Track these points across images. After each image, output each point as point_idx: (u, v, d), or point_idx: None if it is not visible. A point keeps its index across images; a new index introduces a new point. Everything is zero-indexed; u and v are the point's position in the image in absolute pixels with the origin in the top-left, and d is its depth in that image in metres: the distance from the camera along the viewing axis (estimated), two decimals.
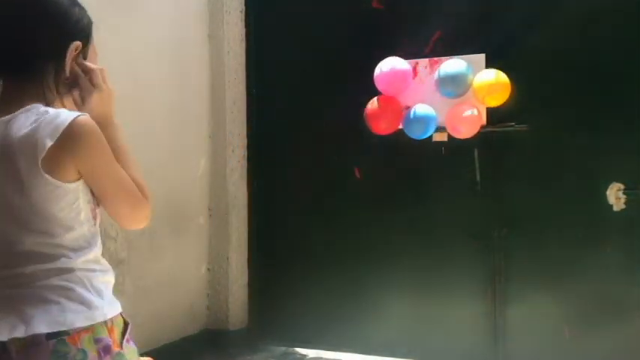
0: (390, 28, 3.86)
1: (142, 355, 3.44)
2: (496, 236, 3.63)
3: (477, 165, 3.61)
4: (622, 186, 3.37)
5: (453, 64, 3.40)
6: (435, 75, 3.47)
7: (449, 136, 3.53)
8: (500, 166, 3.63)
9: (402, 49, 3.69)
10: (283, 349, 4.17)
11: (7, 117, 1.24)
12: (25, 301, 1.22)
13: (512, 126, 3.50)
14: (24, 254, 1.24)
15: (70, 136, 1.20)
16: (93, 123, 1.25)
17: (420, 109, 3.47)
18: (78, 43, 1.34)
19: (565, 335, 3.47)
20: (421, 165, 3.77)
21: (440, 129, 3.53)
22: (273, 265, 4.27)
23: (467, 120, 3.39)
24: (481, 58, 3.45)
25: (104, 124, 1.34)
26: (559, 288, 3.50)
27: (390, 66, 3.47)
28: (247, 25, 4.34)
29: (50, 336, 1.19)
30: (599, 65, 3.42)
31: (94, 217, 1.33)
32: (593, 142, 3.43)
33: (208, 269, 4.25)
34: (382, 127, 3.57)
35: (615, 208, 3.39)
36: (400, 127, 3.56)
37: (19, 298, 1.23)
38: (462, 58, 3.44)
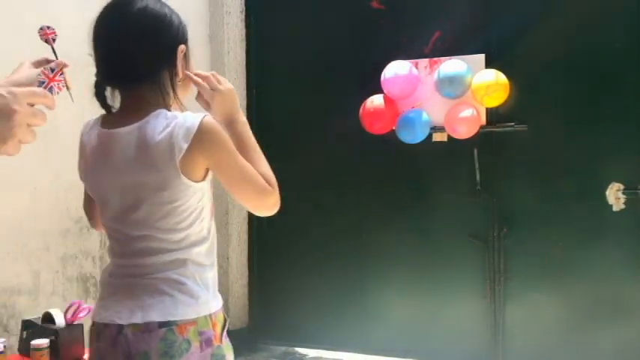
0: (390, 28, 3.86)
1: None
2: (496, 236, 3.63)
3: (476, 165, 3.61)
4: (622, 186, 3.37)
5: (453, 65, 3.40)
6: (435, 76, 3.47)
7: (449, 136, 3.53)
8: (500, 166, 3.63)
9: (402, 49, 3.69)
10: (283, 349, 4.17)
11: (136, 123, 1.35)
12: (143, 290, 1.35)
13: (512, 126, 3.50)
14: (146, 247, 1.37)
15: (200, 137, 1.32)
16: (215, 122, 1.38)
17: (412, 114, 3.47)
18: (183, 47, 1.44)
19: (565, 335, 3.48)
20: (421, 165, 3.77)
21: (440, 129, 3.53)
22: (273, 265, 4.27)
23: (466, 120, 3.39)
24: (481, 58, 3.45)
25: (229, 121, 1.49)
26: (559, 288, 3.50)
27: (405, 70, 3.46)
28: (247, 25, 4.34)
29: (162, 324, 1.32)
30: (598, 65, 3.43)
31: (212, 213, 1.46)
32: (593, 142, 3.43)
33: None
34: (376, 127, 3.57)
35: (615, 208, 3.39)
36: (394, 128, 3.56)
37: (138, 287, 1.36)
38: (462, 59, 3.44)
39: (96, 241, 3.34)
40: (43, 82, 1.00)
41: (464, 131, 3.41)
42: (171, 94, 1.43)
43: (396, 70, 3.47)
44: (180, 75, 1.44)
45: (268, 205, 1.44)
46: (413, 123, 3.45)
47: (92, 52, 1.44)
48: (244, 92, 4.34)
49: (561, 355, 3.50)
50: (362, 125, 3.61)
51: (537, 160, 3.57)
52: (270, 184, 1.43)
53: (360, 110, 3.60)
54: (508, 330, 3.61)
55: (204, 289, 1.39)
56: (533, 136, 3.50)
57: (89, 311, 2.53)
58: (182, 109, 1.42)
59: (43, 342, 2.35)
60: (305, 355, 4.08)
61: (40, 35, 1.19)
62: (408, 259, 3.81)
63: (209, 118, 1.36)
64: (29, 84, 1.00)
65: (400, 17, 3.85)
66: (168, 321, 1.32)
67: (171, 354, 1.31)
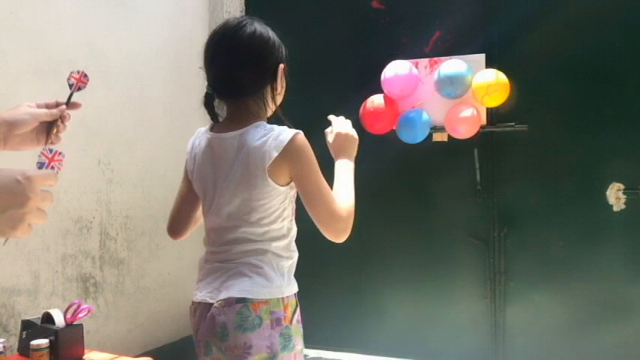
0: (390, 28, 3.86)
1: (142, 355, 3.45)
2: (496, 236, 3.63)
3: (477, 165, 3.61)
4: (622, 186, 3.37)
5: (453, 65, 3.40)
6: (435, 76, 3.47)
7: (449, 136, 3.53)
8: (501, 166, 3.63)
9: (402, 49, 3.69)
10: None
11: (238, 131, 1.60)
12: (228, 272, 1.60)
13: (512, 126, 3.50)
14: (234, 238, 1.61)
15: (289, 149, 1.55)
16: (305, 140, 1.60)
17: (412, 114, 3.47)
18: (283, 65, 1.68)
19: (565, 335, 3.48)
20: (421, 165, 3.77)
21: (440, 129, 3.53)
22: None
23: (466, 120, 3.39)
24: (481, 58, 3.45)
25: (338, 156, 1.76)
26: (559, 288, 3.50)
27: (405, 70, 3.46)
28: None
29: (238, 300, 1.55)
30: (599, 65, 3.42)
31: (293, 215, 1.69)
32: (593, 142, 3.43)
33: None
34: (376, 127, 3.57)
35: (615, 208, 3.39)
36: (394, 128, 3.56)
37: (224, 270, 1.61)
38: (462, 58, 3.44)
39: (96, 241, 3.34)
40: (43, 164, 1.02)
41: (464, 131, 3.40)
42: (271, 105, 1.67)
43: (396, 70, 3.47)
44: (279, 89, 1.68)
45: (337, 230, 1.61)
46: (413, 123, 3.45)
47: (204, 68, 1.67)
48: None
49: (561, 355, 3.50)
50: (362, 125, 3.60)
51: (537, 160, 3.57)
52: (343, 212, 1.60)
53: (360, 110, 3.60)
54: (508, 330, 3.61)
55: (279, 276, 1.62)
56: (533, 136, 3.50)
57: (89, 311, 2.53)
58: (284, 118, 1.69)
59: (43, 342, 2.35)
60: (305, 356, 4.07)
61: (71, 77, 1.19)
62: (408, 259, 3.81)
63: (301, 136, 1.59)
64: (26, 123, 1.03)
65: (400, 17, 3.84)
66: (244, 298, 1.55)
67: (245, 327, 1.54)
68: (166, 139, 3.86)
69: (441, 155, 3.67)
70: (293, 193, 1.65)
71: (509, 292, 3.61)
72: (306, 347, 4.10)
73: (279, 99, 1.71)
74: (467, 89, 3.38)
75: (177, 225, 1.82)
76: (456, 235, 3.74)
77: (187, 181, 1.79)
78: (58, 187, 3.12)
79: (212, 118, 1.68)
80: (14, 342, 2.72)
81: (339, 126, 1.81)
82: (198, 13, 4.17)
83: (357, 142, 1.80)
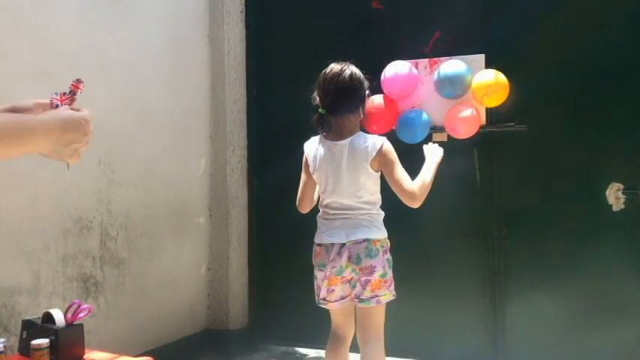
0: (390, 28, 3.86)
1: (142, 355, 3.45)
2: (496, 236, 3.63)
3: (476, 165, 3.61)
4: (621, 186, 3.37)
5: (453, 65, 3.40)
6: (435, 76, 3.47)
7: (449, 136, 3.53)
8: (501, 166, 3.63)
9: (402, 49, 3.69)
10: (283, 349, 4.17)
11: (348, 138, 2.58)
12: (351, 225, 2.58)
13: (512, 126, 3.50)
14: (352, 206, 2.59)
15: (380, 151, 2.54)
16: (389, 144, 2.58)
17: (412, 114, 3.47)
18: (367, 92, 2.69)
19: (565, 335, 3.48)
20: (421, 165, 3.76)
21: (440, 129, 3.52)
22: (273, 265, 4.27)
23: (466, 120, 3.38)
24: (481, 58, 3.45)
25: (428, 159, 2.79)
26: (559, 288, 3.50)
27: (405, 70, 3.46)
28: (247, 25, 4.35)
29: (364, 240, 2.56)
30: (599, 65, 3.43)
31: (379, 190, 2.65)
32: (593, 142, 3.44)
33: (208, 269, 4.26)
34: (376, 127, 3.57)
35: (615, 208, 3.39)
36: (394, 128, 3.55)
37: (347, 224, 2.59)
38: (462, 59, 3.43)
39: (96, 241, 3.34)
40: (58, 104, 1.19)
41: (464, 131, 3.40)
42: (361, 119, 2.68)
43: (395, 70, 3.47)
44: (365, 109, 2.69)
45: (408, 199, 2.56)
46: (413, 123, 3.45)
47: (317, 97, 2.65)
48: (244, 92, 4.34)
49: (561, 355, 3.50)
50: (362, 125, 3.60)
51: (537, 160, 3.57)
52: (414, 188, 2.55)
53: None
54: (508, 330, 3.62)
55: (380, 225, 2.64)
56: (533, 136, 3.50)
57: (89, 311, 2.53)
58: (364, 127, 2.76)
59: (43, 342, 2.35)
60: (305, 355, 4.08)
61: (73, 87, 1.28)
62: (408, 259, 3.80)
63: (386, 142, 2.58)
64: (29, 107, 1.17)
65: (400, 17, 3.85)
66: (367, 238, 2.56)
67: (371, 255, 2.56)
68: (166, 139, 3.86)
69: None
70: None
71: (508, 292, 3.61)
72: (306, 347, 4.12)
73: (364, 115, 2.69)
74: (467, 89, 3.37)
75: (303, 202, 2.75)
76: (456, 235, 3.74)
77: (308, 172, 2.70)
78: (59, 187, 3.12)
79: (323, 130, 2.63)
80: (15, 342, 2.72)
81: (434, 145, 2.88)
82: (198, 13, 4.18)
83: (441, 155, 2.81)
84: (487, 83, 3.28)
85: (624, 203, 3.37)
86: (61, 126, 1.09)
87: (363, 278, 2.55)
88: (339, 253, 2.55)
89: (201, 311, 4.20)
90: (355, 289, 2.59)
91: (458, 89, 3.36)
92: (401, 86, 3.46)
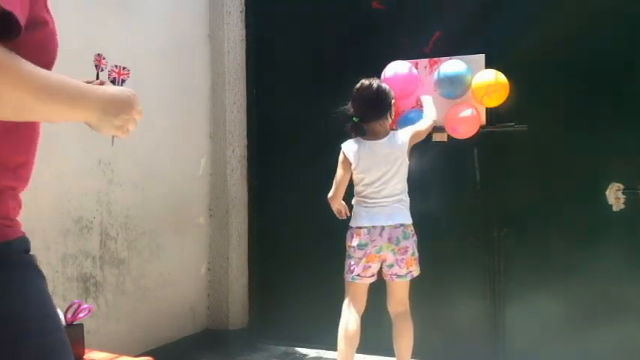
0: (390, 28, 3.86)
1: (142, 355, 3.45)
2: (496, 236, 3.63)
3: (476, 165, 3.61)
4: (621, 186, 3.37)
5: (453, 65, 3.40)
6: (435, 76, 3.47)
7: (449, 136, 3.53)
8: (501, 166, 3.63)
9: (402, 49, 3.69)
10: (283, 349, 4.17)
11: (385, 138, 3.13)
12: (390, 210, 3.10)
13: (512, 126, 3.50)
14: (388, 193, 3.11)
15: (408, 137, 3.15)
16: (404, 129, 3.20)
17: (412, 114, 3.47)
18: (394, 100, 3.21)
19: (565, 335, 3.48)
20: (421, 165, 3.76)
21: (440, 129, 3.52)
22: (273, 265, 4.27)
23: (466, 120, 3.38)
24: (481, 58, 3.45)
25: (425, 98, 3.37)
26: (559, 288, 3.50)
27: (405, 70, 3.45)
28: (247, 25, 4.35)
29: (401, 225, 3.10)
30: (598, 65, 3.43)
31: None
32: (592, 142, 3.43)
33: (208, 269, 4.26)
34: None
35: (615, 208, 3.39)
36: (394, 128, 3.55)
37: (385, 210, 3.10)
38: (462, 58, 3.43)
39: (96, 241, 3.34)
40: (115, 79, 1.26)
41: (464, 131, 3.40)
42: (390, 122, 3.21)
43: (395, 70, 3.47)
44: (393, 114, 3.22)
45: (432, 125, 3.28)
46: (413, 123, 3.45)
47: (353, 108, 3.17)
48: (244, 92, 4.34)
49: (561, 355, 3.50)
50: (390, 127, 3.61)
51: (537, 160, 3.57)
52: (429, 121, 3.25)
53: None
54: (508, 330, 3.62)
55: (409, 211, 3.15)
56: (533, 136, 3.50)
57: (89, 311, 2.53)
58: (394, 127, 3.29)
59: None
60: (305, 355, 4.08)
61: (112, 72, 1.29)
62: None
63: (404, 130, 3.20)
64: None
65: (400, 17, 3.85)
66: (403, 223, 3.10)
67: (406, 237, 3.09)
68: (166, 139, 3.86)
69: (441, 155, 3.67)
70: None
71: (509, 293, 3.61)
72: (306, 347, 4.12)
73: (392, 118, 3.23)
74: (466, 89, 3.37)
75: (339, 195, 3.19)
76: (456, 236, 3.74)
77: (347, 169, 3.14)
78: (59, 187, 3.12)
79: (359, 134, 3.15)
80: None
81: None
82: (198, 13, 4.18)
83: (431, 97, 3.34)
84: (487, 83, 3.28)
85: (624, 203, 3.37)
86: (111, 94, 1.12)
87: (399, 257, 3.09)
88: (381, 234, 3.07)
89: (201, 311, 4.20)
90: (392, 268, 3.13)
91: (458, 89, 3.36)
92: (401, 86, 3.46)
